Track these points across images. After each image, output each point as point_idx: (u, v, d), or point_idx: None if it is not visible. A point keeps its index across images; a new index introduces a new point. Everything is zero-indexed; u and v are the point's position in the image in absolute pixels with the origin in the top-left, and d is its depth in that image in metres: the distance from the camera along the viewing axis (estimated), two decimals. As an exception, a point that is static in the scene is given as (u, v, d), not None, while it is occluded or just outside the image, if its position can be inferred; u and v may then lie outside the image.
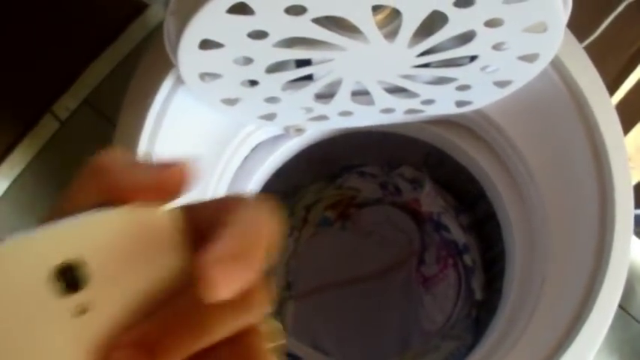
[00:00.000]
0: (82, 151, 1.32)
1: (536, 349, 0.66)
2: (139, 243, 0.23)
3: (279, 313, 1.01)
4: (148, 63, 0.64)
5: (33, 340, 0.21)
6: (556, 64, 0.66)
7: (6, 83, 1.17)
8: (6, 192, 1.28)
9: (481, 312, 0.99)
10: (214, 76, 0.57)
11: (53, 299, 0.21)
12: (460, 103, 0.69)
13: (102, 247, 0.22)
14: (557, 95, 0.68)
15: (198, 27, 0.49)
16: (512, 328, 0.72)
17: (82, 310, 0.22)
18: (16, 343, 0.21)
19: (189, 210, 0.24)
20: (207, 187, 0.74)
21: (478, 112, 0.73)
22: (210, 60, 0.53)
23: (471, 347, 0.92)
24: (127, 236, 0.23)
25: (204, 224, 0.24)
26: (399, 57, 0.56)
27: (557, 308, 0.68)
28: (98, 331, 0.22)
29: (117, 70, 1.32)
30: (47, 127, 1.29)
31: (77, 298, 0.22)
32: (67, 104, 1.30)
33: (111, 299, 0.23)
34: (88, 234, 0.22)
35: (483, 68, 0.60)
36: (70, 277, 0.22)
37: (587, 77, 0.66)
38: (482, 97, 0.67)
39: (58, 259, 0.21)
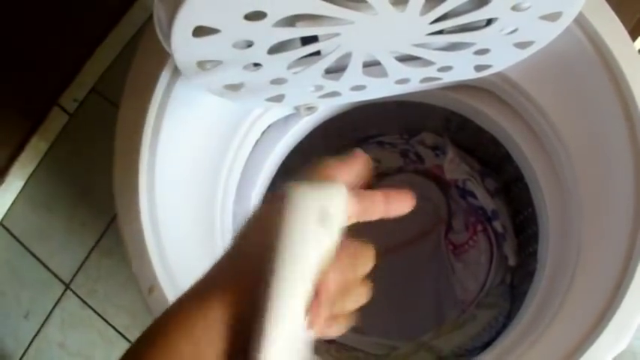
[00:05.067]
0: (93, 141, 1.29)
1: (582, 311, 0.63)
2: None
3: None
4: (144, 54, 0.60)
5: None
6: (579, 20, 0.62)
7: (9, 81, 1.14)
8: (22, 190, 1.26)
9: (515, 277, 0.96)
10: (214, 62, 0.53)
11: None
12: (479, 68, 0.65)
13: None
14: (582, 51, 0.64)
15: (190, 12, 0.44)
16: (552, 293, 0.69)
17: None
18: None
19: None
20: (219, 172, 0.71)
21: (499, 75, 0.69)
22: (207, 47, 0.50)
23: (508, 315, 0.90)
24: None
25: None
26: (410, 26, 0.52)
27: (599, 270, 0.65)
28: None
29: (122, 55, 1.28)
30: (56, 121, 1.27)
31: None
32: (74, 95, 1.27)
33: None
34: None
35: (502, 30, 0.56)
36: None
37: (612, 31, 0.62)
38: (503, 59, 0.63)
39: None
